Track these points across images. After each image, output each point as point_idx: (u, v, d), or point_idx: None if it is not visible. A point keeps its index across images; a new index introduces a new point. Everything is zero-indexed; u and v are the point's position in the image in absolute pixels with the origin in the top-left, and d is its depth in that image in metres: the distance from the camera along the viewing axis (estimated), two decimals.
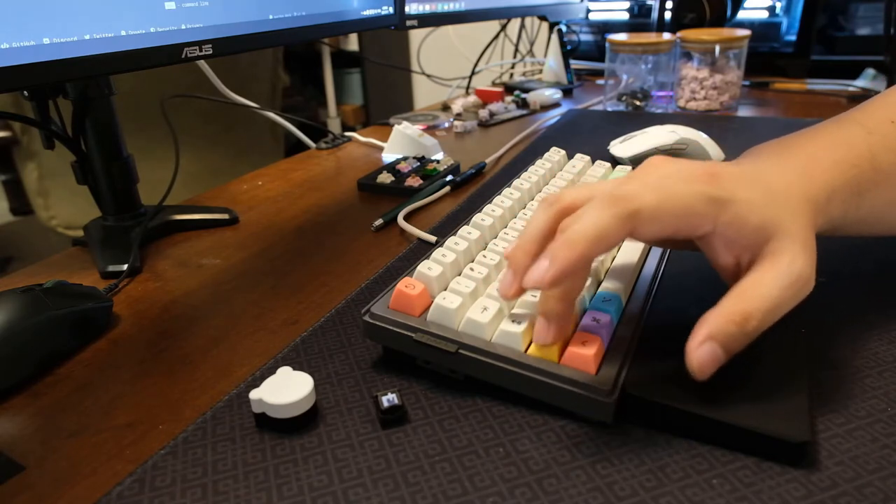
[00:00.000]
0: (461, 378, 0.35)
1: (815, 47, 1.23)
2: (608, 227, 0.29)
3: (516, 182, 0.53)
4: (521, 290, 0.33)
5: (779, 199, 0.32)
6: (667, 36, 0.99)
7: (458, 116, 1.03)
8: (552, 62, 1.26)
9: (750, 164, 0.36)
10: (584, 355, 0.32)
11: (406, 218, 0.60)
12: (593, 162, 0.60)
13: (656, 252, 0.43)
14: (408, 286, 0.36)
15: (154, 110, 0.73)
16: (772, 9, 1.29)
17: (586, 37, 1.44)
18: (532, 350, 0.33)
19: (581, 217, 0.30)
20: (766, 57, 1.26)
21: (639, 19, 1.39)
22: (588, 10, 1.43)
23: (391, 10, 0.77)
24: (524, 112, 1.05)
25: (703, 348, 0.29)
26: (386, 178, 0.70)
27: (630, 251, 0.42)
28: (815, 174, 0.35)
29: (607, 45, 1.02)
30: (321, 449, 0.31)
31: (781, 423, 0.29)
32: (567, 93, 1.20)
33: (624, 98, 1.03)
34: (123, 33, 0.45)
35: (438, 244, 0.43)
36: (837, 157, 0.36)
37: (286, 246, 0.57)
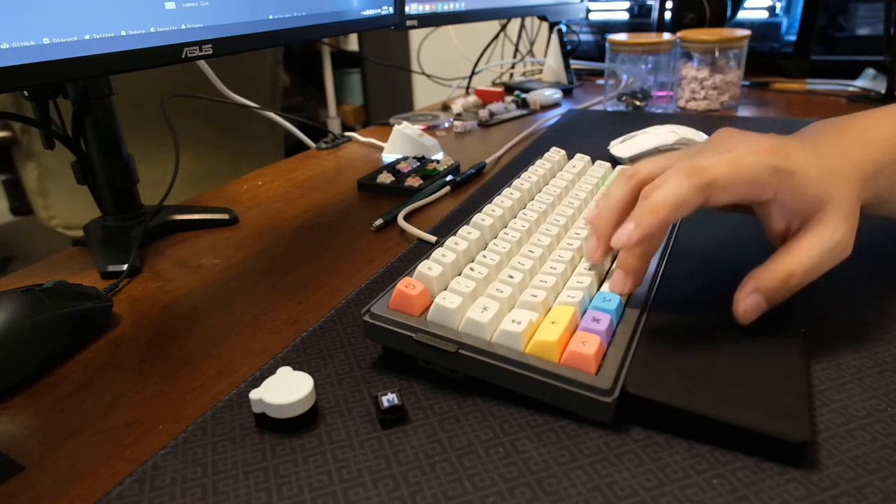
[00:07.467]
0: (461, 378, 0.35)
1: (815, 47, 1.23)
2: (687, 196, 0.33)
3: (516, 182, 0.53)
4: (606, 253, 0.38)
5: (832, 173, 0.35)
6: (667, 36, 0.99)
7: (458, 116, 1.03)
8: (552, 62, 1.26)
9: (809, 138, 0.39)
10: (584, 355, 0.32)
11: (406, 218, 0.60)
12: (593, 162, 0.60)
13: (656, 253, 0.43)
14: (408, 286, 0.36)
15: (154, 110, 0.73)
16: (772, 9, 1.29)
17: (586, 37, 1.44)
18: (532, 350, 0.33)
19: (662, 186, 0.34)
20: (766, 57, 1.26)
21: (639, 19, 1.39)
22: (588, 10, 1.43)
23: (391, 10, 0.77)
24: (524, 112, 1.05)
25: (749, 298, 0.34)
26: (386, 178, 0.70)
27: None
28: (866, 150, 0.38)
29: (607, 45, 1.02)
30: (321, 449, 0.31)
31: (781, 423, 0.29)
32: (567, 93, 1.20)
33: (624, 98, 1.03)
34: (123, 33, 0.45)
35: (438, 244, 0.43)
36: (886, 135, 0.39)
37: (286, 246, 0.57)
